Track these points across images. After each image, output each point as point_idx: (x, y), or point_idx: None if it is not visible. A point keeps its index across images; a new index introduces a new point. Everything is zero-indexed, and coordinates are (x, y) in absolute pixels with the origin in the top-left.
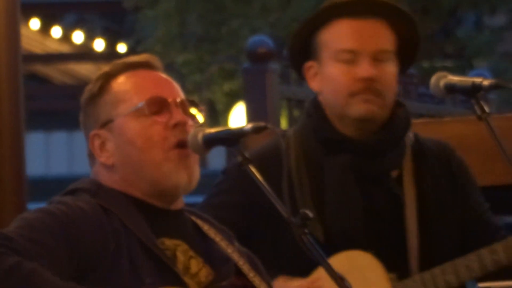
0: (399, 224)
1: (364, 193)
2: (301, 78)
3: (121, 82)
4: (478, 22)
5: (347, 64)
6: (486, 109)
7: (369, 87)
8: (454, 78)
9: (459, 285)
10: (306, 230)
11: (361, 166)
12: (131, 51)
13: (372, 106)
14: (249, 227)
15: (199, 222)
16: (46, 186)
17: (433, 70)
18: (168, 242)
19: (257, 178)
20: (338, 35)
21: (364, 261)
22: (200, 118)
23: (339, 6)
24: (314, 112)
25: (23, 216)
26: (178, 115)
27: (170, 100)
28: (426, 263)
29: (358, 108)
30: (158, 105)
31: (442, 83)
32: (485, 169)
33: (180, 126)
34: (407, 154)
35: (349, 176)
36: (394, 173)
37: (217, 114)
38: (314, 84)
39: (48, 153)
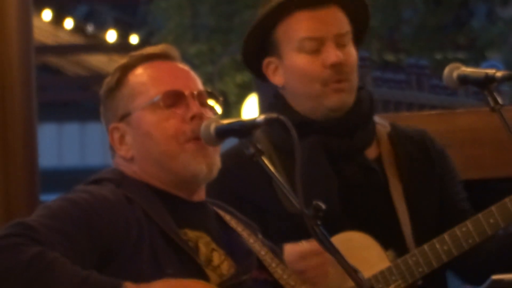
0: (386, 201)
1: (337, 170)
2: (258, 77)
3: (138, 74)
4: (490, 13)
5: (312, 53)
6: (499, 100)
7: (339, 71)
8: (467, 70)
9: (459, 253)
10: (318, 222)
11: (330, 145)
12: (143, 42)
13: (345, 95)
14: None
15: (221, 213)
16: (59, 178)
17: (445, 62)
18: (191, 233)
19: (270, 170)
20: (300, 25)
21: (360, 241)
22: (218, 109)
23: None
24: (277, 103)
25: (46, 204)
26: (194, 108)
27: (186, 92)
28: (421, 239)
29: (332, 99)
30: (175, 98)
31: (455, 74)
32: (498, 161)
33: (196, 118)
34: (383, 139)
35: (319, 155)
36: (371, 155)
37: (229, 106)
38: (276, 79)
39: (60, 145)
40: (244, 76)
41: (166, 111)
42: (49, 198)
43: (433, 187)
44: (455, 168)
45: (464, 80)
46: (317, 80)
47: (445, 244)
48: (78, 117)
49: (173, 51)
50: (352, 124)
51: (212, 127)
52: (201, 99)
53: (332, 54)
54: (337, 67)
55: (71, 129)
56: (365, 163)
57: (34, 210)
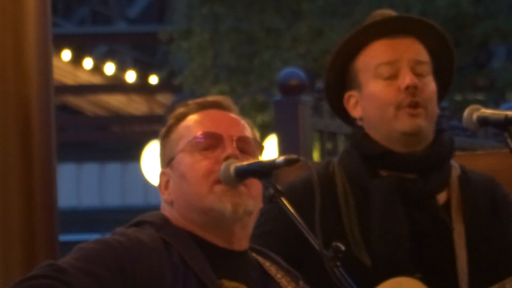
0: (448, 250)
1: (409, 216)
2: (337, 112)
3: (187, 120)
4: (510, 54)
5: (388, 79)
6: None
7: (413, 96)
8: (487, 111)
9: None
10: (338, 263)
11: (406, 187)
12: (164, 82)
13: (419, 120)
14: (296, 258)
15: (266, 264)
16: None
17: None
18: (227, 284)
19: (289, 211)
20: (375, 53)
21: (409, 287)
22: (258, 157)
23: (373, 27)
24: (356, 134)
25: (80, 246)
26: (230, 149)
27: (225, 135)
28: None
29: (405, 122)
30: (212, 140)
31: (475, 116)
32: None
33: (231, 160)
34: (453, 183)
35: (394, 198)
36: (441, 200)
37: None
38: (356, 112)
39: (79, 185)
40: (264, 117)
41: (202, 152)
42: (67, 238)
43: (496, 235)
44: None
45: (484, 121)
46: (392, 103)
47: None
48: (97, 157)
49: (229, 102)
50: (430, 162)
51: (232, 167)
52: (241, 144)
53: (407, 77)
54: (412, 90)
55: (90, 169)
56: (435, 211)
57: (53, 250)
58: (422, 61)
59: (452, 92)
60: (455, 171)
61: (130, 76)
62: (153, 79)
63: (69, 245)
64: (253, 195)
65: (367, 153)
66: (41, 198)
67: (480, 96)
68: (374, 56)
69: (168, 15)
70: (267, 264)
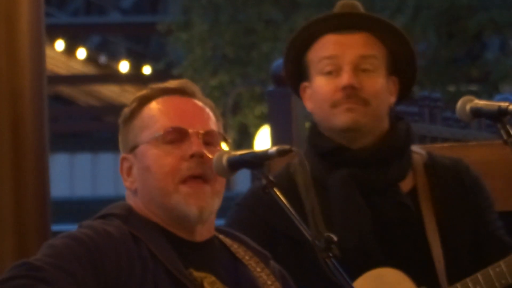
0: (420, 236)
1: (371, 206)
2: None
3: (151, 108)
4: (503, 46)
5: (330, 75)
6: None
7: (351, 95)
8: (480, 103)
9: None
10: (330, 254)
11: (363, 178)
12: (156, 73)
13: (355, 114)
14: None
15: (234, 246)
16: (70, 208)
17: (458, 95)
18: (196, 274)
19: (282, 201)
20: (321, 47)
21: (393, 278)
22: (226, 149)
23: (324, 21)
24: (311, 131)
25: (50, 242)
26: (195, 146)
27: (191, 131)
28: (454, 276)
29: (341, 118)
30: (178, 135)
31: (468, 107)
32: (511, 194)
33: (196, 157)
34: (419, 170)
35: (351, 189)
36: (407, 187)
37: (249, 137)
38: (308, 105)
39: (72, 175)
40: (263, 108)
41: (167, 147)
42: (60, 228)
43: (468, 219)
44: (490, 196)
45: (477, 113)
46: (328, 101)
47: (478, 284)
48: (90, 147)
49: (191, 87)
50: (386, 155)
51: (224, 158)
52: (207, 138)
53: (345, 76)
54: (349, 91)
55: (83, 159)
56: (398, 198)
57: (45, 240)
58: (369, 55)
59: (445, 84)
60: (421, 158)
61: (124, 67)
62: (147, 70)
63: None
64: (218, 192)
65: (321, 150)
66: (34, 188)
67: (473, 88)
68: (319, 50)
69: (161, 6)
70: (234, 246)
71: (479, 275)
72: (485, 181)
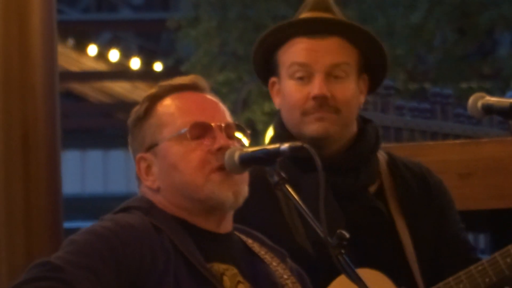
0: (392, 238)
1: (343, 210)
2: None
3: (166, 105)
4: None
5: (301, 81)
6: None
7: (322, 104)
8: (492, 99)
9: None
10: (342, 250)
11: (333, 184)
12: (170, 69)
13: (325, 123)
14: None
15: (249, 241)
16: (82, 205)
17: (470, 91)
18: (217, 266)
19: (294, 197)
20: (292, 51)
21: (374, 278)
22: (245, 141)
23: (296, 25)
24: (280, 131)
25: (71, 239)
26: (221, 140)
27: (213, 124)
28: (428, 275)
29: (311, 127)
30: (202, 130)
31: (479, 104)
32: None
33: (223, 150)
34: (383, 170)
35: (327, 192)
36: (372, 188)
37: (257, 134)
38: (276, 100)
39: (84, 172)
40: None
41: (192, 142)
42: (72, 225)
43: (434, 220)
44: (453, 199)
45: (488, 109)
46: (299, 109)
47: (461, 283)
48: (101, 144)
49: (202, 82)
50: (355, 161)
51: (236, 155)
52: (228, 131)
53: (315, 87)
54: (320, 100)
55: (94, 156)
56: (369, 202)
57: (57, 236)
58: (340, 63)
59: (457, 80)
60: (383, 158)
61: (135, 63)
62: (158, 66)
63: (73, 232)
64: (245, 180)
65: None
66: (46, 185)
67: (485, 84)
68: (291, 54)
69: (173, 3)
70: (249, 242)
71: (462, 274)
72: (496, 177)
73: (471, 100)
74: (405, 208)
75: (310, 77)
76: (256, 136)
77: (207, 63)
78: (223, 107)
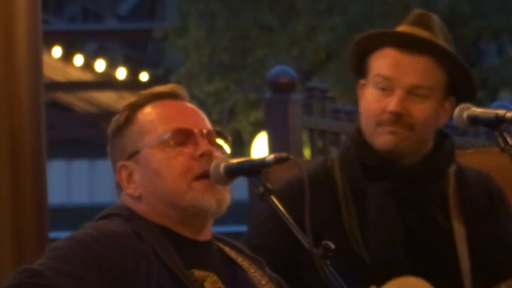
0: (449, 250)
1: (405, 219)
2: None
3: (147, 113)
4: (501, 52)
5: (382, 91)
6: (509, 141)
7: (396, 120)
8: (477, 110)
9: None
10: (328, 262)
11: (402, 194)
12: (153, 79)
13: (397, 138)
14: (293, 258)
15: (227, 249)
16: (68, 214)
17: None
18: (198, 273)
19: (279, 209)
20: (381, 61)
21: (416, 286)
22: (227, 148)
23: (388, 36)
24: (356, 136)
25: (53, 246)
26: (203, 146)
27: (196, 131)
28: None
29: (382, 138)
30: (184, 136)
31: (465, 114)
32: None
33: (206, 156)
34: (450, 180)
35: (388, 202)
36: (437, 199)
37: (243, 144)
38: (360, 103)
39: (69, 182)
40: (257, 114)
41: (175, 149)
42: (57, 235)
43: (495, 229)
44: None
45: (474, 120)
46: (375, 118)
47: None
48: (87, 154)
49: (182, 91)
50: (428, 175)
51: (222, 166)
52: (210, 138)
53: (394, 102)
54: (396, 116)
55: (80, 166)
56: (433, 216)
57: (43, 247)
58: (422, 86)
59: None
60: (452, 168)
61: (121, 73)
62: (144, 76)
63: None
64: (228, 188)
65: (365, 162)
66: (31, 195)
67: None
68: (378, 64)
69: (159, 12)
70: (226, 249)
71: (502, 285)
72: None
73: (456, 110)
74: (467, 220)
75: (392, 90)
76: (242, 146)
77: (196, 73)
78: (203, 115)
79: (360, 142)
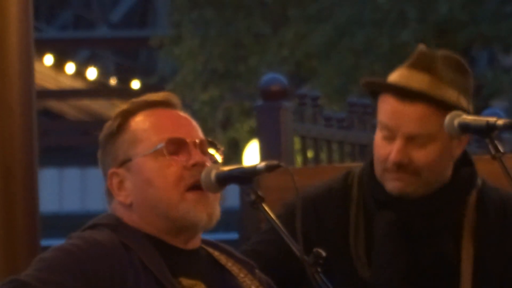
0: (452, 277)
1: (412, 249)
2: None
3: (140, 121)
4: (492, 60)
5: (386, 137)
6: (500, 148)
7: (399, 168)
8: (468, 118)
9: None
10: (318, 269)
11: (409, 225)
12: (145, 87)
13: (403, 184)
14: (296, 266)
15: (216, 253)
16: (59, 223)
17: None
18: (185, 282)
19: (271, 217)
20: (383, 107)
21: None
22: (219, 158)
23: (382, 86)
24: (369, 169)
25: (41, 256)
26: (196, 156)
27: (188, 140)
28: None
29: (390, 184)
30: (177, 146)
31: (456, 122)
32: None
33: (198, 166)
34: (471, 204)
35: (393, 233)
36: (450, 226)
37: (240, 152)
38: (375, 136)
39: (61, 189)
40: (251, 122)
41: (168, 158)
42: (49, 243)
43: (505, 260)
44: None
45: (465, 128)
46: (381, 164)
47: None
48: (78, 161)
49: (175, 99)
50: (441, 205)
51: (213, 174)
52: (202, 147)
53: (394, 153)
54: (397, 165)
55: (72, 174)
56: (442, 248)
57: (35, 255)
58: (420, 134)
59: None
60: (475, 189)
61: (112, 81)
62: (135, 84)
63: None
64: (219, 198)
65: (373, 193)
66: (23, 203)
67: None
68: (381, 109)
69: (151, 20)
70: (216, 254)
71: None
72: None
73: (448, 118)
74: (478, 248)
75: (393, 138)
76: (238, 154)
77: (191, 82)
78: (195, 124)
79: (371, 178)
